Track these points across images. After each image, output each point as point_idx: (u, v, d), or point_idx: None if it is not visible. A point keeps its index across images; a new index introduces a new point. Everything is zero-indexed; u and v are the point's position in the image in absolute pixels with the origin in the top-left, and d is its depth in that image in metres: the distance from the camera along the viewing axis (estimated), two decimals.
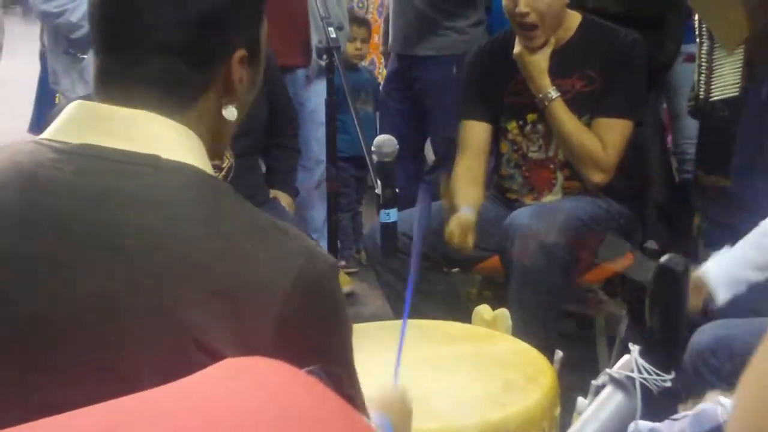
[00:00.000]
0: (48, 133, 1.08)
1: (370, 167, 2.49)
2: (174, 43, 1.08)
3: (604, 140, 2.94)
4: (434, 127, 4.09)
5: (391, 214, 2.36)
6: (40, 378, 1.00)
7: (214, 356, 0.95)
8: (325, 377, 0.82)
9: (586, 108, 2.98)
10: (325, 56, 2.92)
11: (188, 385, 0.82)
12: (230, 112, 1.14)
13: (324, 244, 3.33)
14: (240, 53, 1.12)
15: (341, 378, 1.03)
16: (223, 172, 2.94)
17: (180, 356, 0.97)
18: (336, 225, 3.18)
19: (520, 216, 2.82)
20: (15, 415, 0.91)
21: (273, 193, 3.19)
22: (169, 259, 0.99)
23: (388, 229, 2.39)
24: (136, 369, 0.97)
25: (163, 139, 1.06)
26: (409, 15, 4.07)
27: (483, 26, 4.07)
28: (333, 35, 2.83)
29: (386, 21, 4.44)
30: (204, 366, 0.92)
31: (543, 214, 2.80)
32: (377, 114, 4.57)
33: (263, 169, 3.33)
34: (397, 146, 2.36)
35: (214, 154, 1.15)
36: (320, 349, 1.07)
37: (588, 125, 2.97)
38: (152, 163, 1.04)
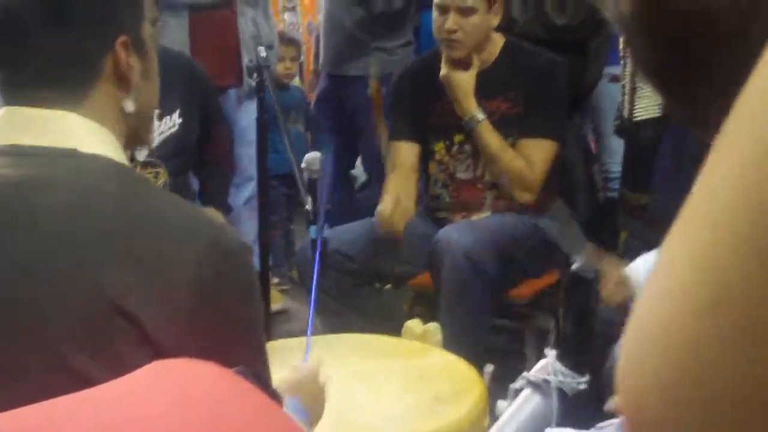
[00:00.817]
0: None
1: (299, 184, 2.51)
2: (53, 37, 1.13)
3: (529, 160, 3.00)
4: (364, 145, 4.13)
5: (312, 231, 2.39)
6: None
7: (134, 321, 1.00)
8: (252, 377, 0.84)
9: (512, 130, 3.04)
10: (255, 75, 2.94)
11: (118, 386, 0.84)
12: (128, 105, 1.18)
13: (255, 261, 3.35)
14: (122, 39, 1.16)
15: (260, 372, 1.05)
16: None
17: (100, 320, 1.01)
18: (267, 242, 3.19)
19: (449, 232, 2.86)
20: None
21: (207, 211, 3.18)
22: (84, 227, 1.04)
23: (314, 245, 2.41)
24: (60, 333, 1.01)
25: (76, 134, 1.13)
26: (338, 35, 4.11)
27: (411, 47, 4.13)
28: (263, 54, 2.85)
29: (317, 40, 4.48)
30: (124, 331, 0.99)
31: (471, 230, 2.85)
32: (308, 132, 4.59)
33: (194, 187, 3.33)
34: (320, 158, 2.38)
35: (133, 141, 1.23)
36: (234, 320, 1.11)
37: (513, 146, 3.03)
38: (68, 154, 1.11)
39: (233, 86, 3.87)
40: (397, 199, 2.91)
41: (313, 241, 2.39)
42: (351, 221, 3.91)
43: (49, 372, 0.99)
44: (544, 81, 3.05)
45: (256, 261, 3.26)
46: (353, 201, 4.26)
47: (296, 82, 4.68)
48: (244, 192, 3.89)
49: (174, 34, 3.67)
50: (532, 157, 3.00)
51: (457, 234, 2.82)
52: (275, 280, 4.23)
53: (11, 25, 1.13)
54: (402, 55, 4.03)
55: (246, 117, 3.80)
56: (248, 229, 3.86)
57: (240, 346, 1.11)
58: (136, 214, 1.07)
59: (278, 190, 4.22)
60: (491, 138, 2.99)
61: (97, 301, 1.01)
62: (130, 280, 1.02)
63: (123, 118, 1.19)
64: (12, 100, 1.14)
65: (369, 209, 3.40)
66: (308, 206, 2.37)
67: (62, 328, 1.01)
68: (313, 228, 2.38)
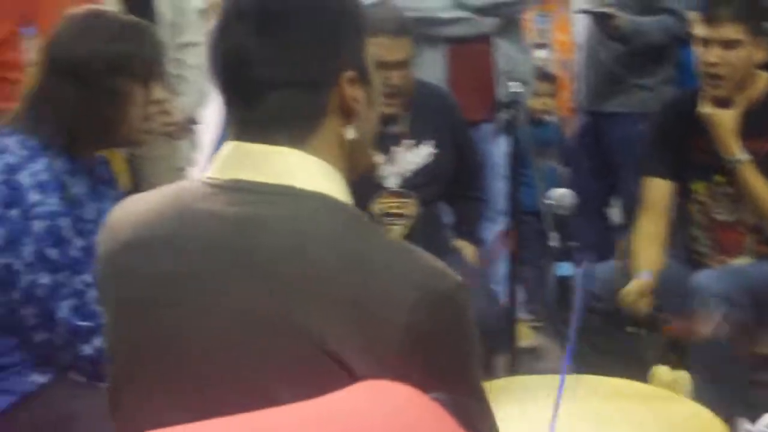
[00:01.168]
0: (208, 172, 1.20)
1: (544, 219, 2.48)
2: (280, 77, 1.16)
3: None
4: (621, 185, 4.03)
5: (568, 268, 2.34)
6: (182, 387, 1.12)
7: (342, 364, 1.02)
8: (451, 405, 0.83)
9: None
10: (507, 110, 2.95)
11: (321, 403, 0.86)
12: (349, 132, 1.19)
13: (504, 297, 3.34)
14: (349, 74, 1.18)
15: (468, 407, 1.04)
16: (407, 220, 3.00)
17: (309, 363, 1.03)
18: (517, 278, 3.17)
19: (706, 279, 2.74)
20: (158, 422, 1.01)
21: (458, 243, 3.20)
22: (296, 270, 1.07)
23: (565, 283, 2.37)
24: (272, 379, 1.05)
25: (297, 171, 1.15)
26: (597, 71, 4.05)
27: (672, 83, 4.00)
28: (515, 89, 2.85)
29: (574, 77, 4.44)
30: (332, 374, 1.00)
31: (728, 277, 2.71)
32: (563, 168, 4.54)
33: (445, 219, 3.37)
34: (575, 200, 2.34)
35: (354, 172, 1.24)
36: (447, 366, 1.09)
37: None
38: (288, 192, 1.13)
39: (487, 120, 3.89)
40: (642, 283, 2.84)
41: (560, 279, 2.35)
42: (600, 258, 3.84)
43: (257, 409, 1.02)
44: None
45: (504, 297, 3.26)
46: (607, 240, 4.16)
47: (554, 117, 4.64)
48: (497, 226, 3.89)
49: (431, 66, 3.74)
50: None
51: (713, 280, 2.70)
52: (527, 316, 4.19)
53: (243, 68, 1.16)
54: (661, 92, 3.91)
55: (499, 151, 3.80)
56: (500, 265, 3.86)
57: (452, 386, 1.08)
58: (351, 257, 1.07)
59: (531, 225, 4.17)
60: (755, 180, 2.84)
61: (305, 345, 1.04)
62: (341, 324, 1.03)
63: (346, 148, 1.21)
64: (241, 136, 1.18)
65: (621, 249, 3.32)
66: (553, 242, 2.34)
67: (272, 369, 1.05)
68: (557, 265, 2.34)
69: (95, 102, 2.03)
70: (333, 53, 1.18)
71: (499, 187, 3.70)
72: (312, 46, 1.16)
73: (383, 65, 2.81)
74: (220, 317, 1.10)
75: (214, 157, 1.21)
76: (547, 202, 2.36)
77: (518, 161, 3.01)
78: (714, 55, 2.84)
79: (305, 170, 1.15)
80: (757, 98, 2.95)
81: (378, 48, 2.80)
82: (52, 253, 1.95)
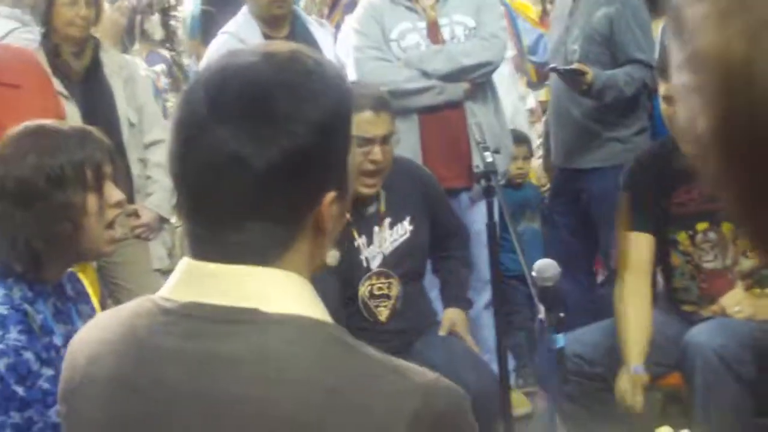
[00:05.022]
0: (162, 291, 1.11)
1: (531, 290, 2.43)
2: (262, 208, 1.06)
3: None
4: (603, 240, 3.98)
5: (558, 340, 2.29)
6: None
7: None
8: None
9: None
10: (483, 180, 2.91)
11: None
12: (332, 257, 1.14)
13: (494, 368, 3.27)
14: (330, 196, 1.08)
15: None
16: (392, 301, 2.94)
17: None
18: (505, 346, 3.11)
19: (700, 332, 2.69)
20: None
21: (447, 313, 3.13)
22: (270, 426, 0.99)
23: (556, 355, 2.31)
24: None
25: (264, 291, 1.06)
26: (569, 128, 4.03)
27: (646, 133, 3.98)
28: (489, 159, 2.82)
29: (546, 135, 4.41)
30: None
31: (723, 329, 2.66)
32: (545, 230, 4.49)
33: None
34: (559, 270, 2.30)
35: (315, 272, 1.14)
36: None
37: None
38: (253, 319, 1.04)
39: (465, 188, 3.86)
40: (635, 378, 2.79)
41: (551, 351, 2.30)
42: (591, 318, 3.77)
43: None
44: None
45: (495, 368, 3.20)
46: (594, 297, 4.10)
47: (533, 176, 4.61)
48: (484, 295, 3.83)
49: (405, 137, 3.71)
50: None
51: (708, 334, 2.65)
52: (520, 381, 4.12)
53: (215, 195, 1.06)
54: (637, 143, 3.89)
55: (480, 219, 3.75)
56: (488, 334, 3.80)
57: None
58: (333, 396, 0.99)
59: (517, 290, 4.13)
60: None
61: None
62: None
63: (314, 263, 1.13)
64: (203, 255, 1.09)
65: (611, 307, 3.26)
66: (541, 315, 2.28)
67: None
68: (549, 338, 2.29)
69: (48, 220, 1.91)
70: (318, 178, 1.08)
71: (482, 256, 3.65)
72: (296, 180, 1.06)
73: (366, 141, 2.79)
74: None
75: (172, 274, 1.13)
76: (533, 274, 2.30)
77: (495, 233, 2.97)
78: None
79: (277, 290, 1.06)
80: None
81: (361, 124, 2.80)
82: (19, 390, 1.86)
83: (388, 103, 2.95)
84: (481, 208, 3.76)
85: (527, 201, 4.36)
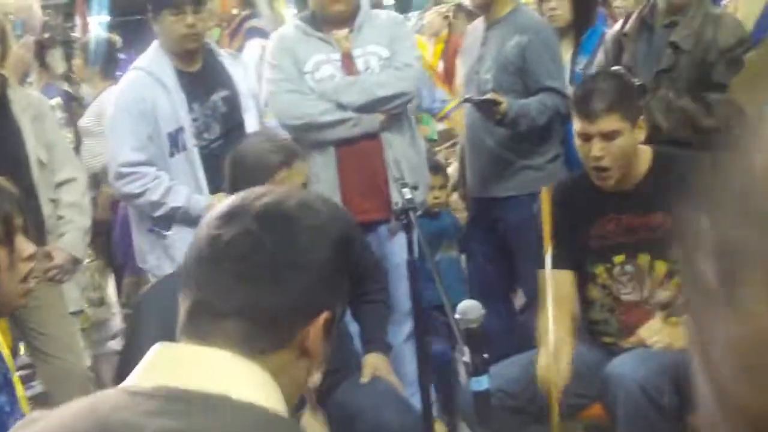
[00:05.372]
0: (130, 379, 1.10)
1: (454, 328, 2.42)
2: (259, 315, 1.10)
3: None
4: (522, 268, 4.00)
5: (483, 382, 2.28)
6: None
7: None
8: None
9: None
10: (402, 217, 2.90)
11: None
12: (314, 379, 1.13)
13: (418, 399, 3.26)
14: (326, 315, 1.12)
15: None
16: None
17: None
18: (429, 377, 3.10)
19: (622, 364, 2.71)
20: None
21: (368, 359, 3.10)
22: None
23: (481, 397, 2.30)
24: None
25: (235, 379, 1.06)
26: (484, 157, 4.04)
27: (560, 160, 4.02)
28: (408, 196, 2.81)
29: (461, 164, 4.41)
30: None
31: (643, 360, 2.68)
32: (462, 257, 4.50)
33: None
34: (483, 311, 2.29)
35: (290, 401, 1.14)
36: None
37: None
38: (220, 403, 1.04)
39: (383, 220, 3.85)
40: (554, 354, 2.79)
41: (475, 394, 2.29)
42: (512, 345, 3.79)
43: None
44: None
45: (417, 400, 3.18)
46: (513, 325, 4.13)
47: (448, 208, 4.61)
48: (404, 328, 3.81)
49: (323, 171, 3.69)
50: None
51: (630, 365, 2.67)
52: (442, 416, 4.08)
53: (215, 297, 1.11)
54: (551, 170, 3.93)
55: (399, 252, 3.74)
56: (410, 367, 3.78)
57: None
58: None
59: (438, 320, 4.11)
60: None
61: None
62: None
63: (295, 379, 1.14)
64: (187, 332, 1.12)
65: (530, 336, 3.27)
66: (466, 358, 2.27)
67: None
68: (473, 380, 2.28)
69: None
70: (318, 300, 1.14)
71: (401, 288, 3.64)
72: (299, 301, 1.12)
73: None
74: None
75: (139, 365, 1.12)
76: (456, 317, 2.29)
77: (416, 269, 2.96)
78: (597, 148, 2.85)
79: (245, 379, 1.08)
80: (645, 174, 2.97)
81: (277, 183, 2.77)
82: None
83: (298, 152, 2.92)
84: (400, 240, 3.76)
85: (444, 230, 4.37)
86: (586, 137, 2.87)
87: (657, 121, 3.36)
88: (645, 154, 2.99)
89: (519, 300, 4.35)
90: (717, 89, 3.39)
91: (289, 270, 1.11)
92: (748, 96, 3.15)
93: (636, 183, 2.96)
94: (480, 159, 4.07)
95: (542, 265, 2.99)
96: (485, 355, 2.29)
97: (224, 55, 3.84)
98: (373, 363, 3.04)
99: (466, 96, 3.98)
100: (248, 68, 4.17)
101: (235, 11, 4.88)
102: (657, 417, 2.62)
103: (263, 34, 4.69)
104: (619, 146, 2.85)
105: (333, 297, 1.15)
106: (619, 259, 2.98)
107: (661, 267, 2.93)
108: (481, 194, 4.11)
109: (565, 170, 3.99)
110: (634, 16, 3.71)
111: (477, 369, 2.27)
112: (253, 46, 4.58)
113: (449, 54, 5.85)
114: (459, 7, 6.04)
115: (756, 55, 3.19)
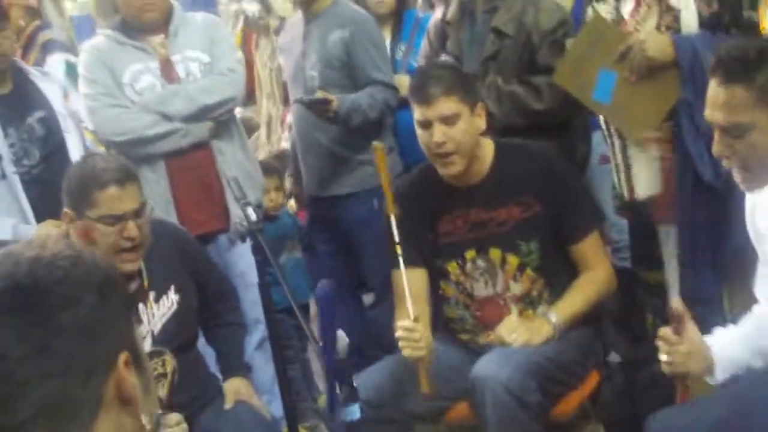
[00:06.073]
0: None
1: (305, 329, 2.45)
2: (43, 373, 0.98)
3: (594, 262, 2.97)
4: (367, 264, 3.97)
5: (353, 411, 2.23)
6: None
7: None
8: None
9: (532, 233, 2.92)
10: (248, 238, 2.80)
11: None
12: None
13: (277, 405, 3.20)
14: (124, 356, 1.04)
15: None
16: (169, 377, 2.78)
17: None
18: (288, 382, 3.03)
19: (487, 366, 2.70)
20: None
21: (229, 384, 3.00)
22: None
23: (354, 427, 2.26)
24: None
25: None
26: (319, 156, 3.97)
27: (394, 152, 4.00)
28: (253, 218, 2.71)
29: (294, 162, 4.32)
30: None
31: (507, 361, 2.69)
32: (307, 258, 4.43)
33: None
34: (347, 341, 2.23)
35: None
36: None
37: (540, 250, 2.92)
38: None
39: (222, 230, 3.73)
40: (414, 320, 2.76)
41: (348, 424, 2.24)
42: (367, 342, 3.76)
43: None
44: (553, 176, 2.93)
45: (277, 405, 3.12)
46: (366, 322, 4.10)
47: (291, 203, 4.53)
48: (254, 336, 3.73)
49: (154, 187, 3.54)
50: (596, 257, 2.99)
51: (495, 368, 2.67)
52: (304, 422, 4.02)
53: None
54: (388, 163, 3.88)
55: (241, 260, 3.65)
56: (264, 375, 3.70)
57: None
58: None
59: (286, 323, 4.04)
60: (572, 313, 2.92)
61: None
62: None
63: None
64: None
65: (382, 332, 3.25)
66: (339, 391, 2.21)
67: None
68: (345, 410, 2.22)
69: None
70: (106, 334, 1.03)
71: (249, 296, 3.55)
72: (82, 325, 1.01)
73: (117, 219, 2.63)
74: None
75: None
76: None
77: (267, 286, 2.87)
78: (438, 134, 2.83)
79: None
80: (490, 167, 2.97)
81: (107, 202, 2.61)
82: None
83: (134, 173, 2.77)
84: (241, 248, 3.67)
85: (285, 232, 4.28)
86: (426, 124, 2.85)
87: (489, 109, 3.36)
88: (488, 148, 2.99)
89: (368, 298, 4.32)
90: (544, 72, 3.42)
91: (49, 340, 1.00)
92: (572, 84, 3.20)
93: (482, 177, 2.96)
94: (315, 158, 4.00)
95: (395, 265, 2.91)
96: (354, 385, 2.24)
97: (35, 74, 3.61)
98: (235, 388, 2.95)
99: (296, 97, 3.90)
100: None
101: (22, 22, 4.47)
102: (524, 415, 2.63)
103: (64, 47, 4.42)
104: (460, 130, 2.84)
105: (119, 336, 1.05)
106: (470, 254, 2.98)
107: (513, 260, 2.95)
108: (319, 193, 4.04)
109: (400, 163, 3.97)
110: (454, 3, 3.69)
111: (347, 399, 2.22)
112: (57, 60, 4.28)
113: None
114: None
115: (575, 41, 3.23)
